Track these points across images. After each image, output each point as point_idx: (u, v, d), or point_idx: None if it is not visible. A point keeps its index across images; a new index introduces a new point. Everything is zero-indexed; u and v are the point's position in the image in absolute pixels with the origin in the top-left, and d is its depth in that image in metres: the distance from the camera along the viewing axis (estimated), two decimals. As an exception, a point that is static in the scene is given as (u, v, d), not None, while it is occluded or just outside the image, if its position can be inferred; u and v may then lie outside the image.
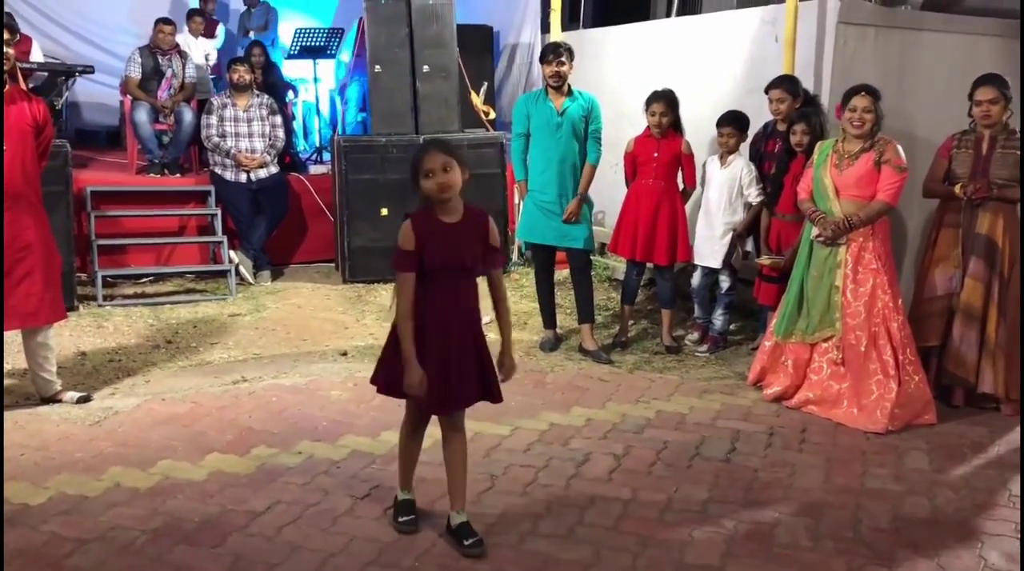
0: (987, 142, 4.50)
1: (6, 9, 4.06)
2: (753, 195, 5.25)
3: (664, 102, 5.24)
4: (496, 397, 3.14)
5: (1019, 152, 4.40)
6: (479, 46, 8.49)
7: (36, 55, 7.51)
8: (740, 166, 5.27)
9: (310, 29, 9.13)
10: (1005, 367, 4.47)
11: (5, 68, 3.95)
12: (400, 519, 3.20)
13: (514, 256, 7.42)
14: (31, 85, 6.76)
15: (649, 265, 5.56)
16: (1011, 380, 4.48)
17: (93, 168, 7.63)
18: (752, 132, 5.39)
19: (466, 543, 3.06)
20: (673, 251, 5.36)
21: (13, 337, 4.48)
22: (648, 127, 5.33)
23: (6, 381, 4.62)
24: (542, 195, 5.23)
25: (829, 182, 4.39)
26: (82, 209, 6.49)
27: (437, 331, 3.00)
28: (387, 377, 3.11)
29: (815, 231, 4.44)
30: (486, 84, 8.15)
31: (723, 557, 3.09)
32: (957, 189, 4.51)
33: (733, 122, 5.28)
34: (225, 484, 3.52)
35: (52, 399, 4.32)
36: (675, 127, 5.32)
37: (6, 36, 3.92)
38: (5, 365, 4.79)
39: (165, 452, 3.80)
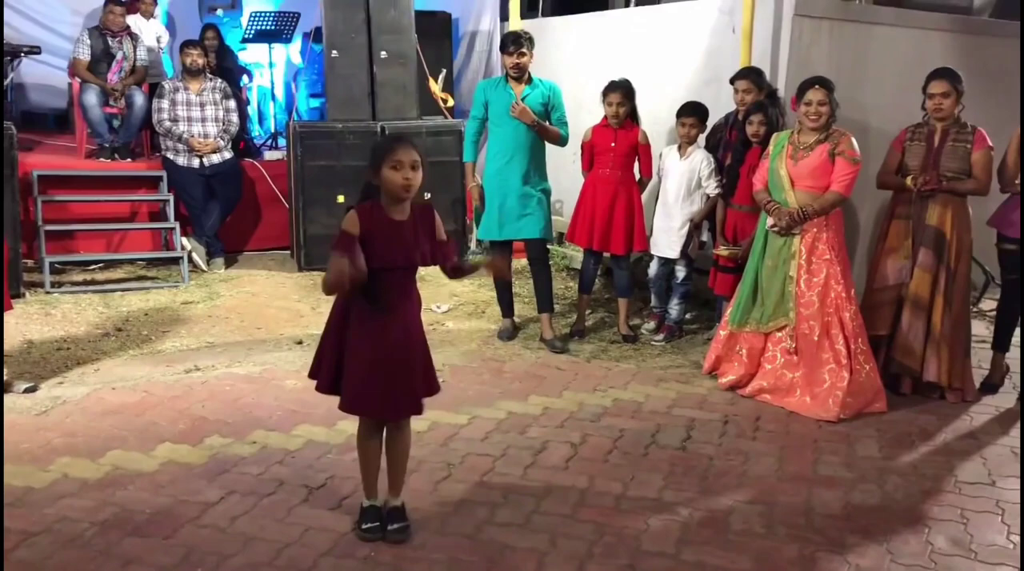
0: (939, 135, 4.56)
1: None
2: (712, 187, 5.28)
3: (621, 92, 5.25)
4: (420, 408, 3.05)
5: (968, 145, 4.49)
6: (438, 33, 8.41)
7: (-21, 35, 7.28)
8: (700, 158, 5.29)
9: (265, 13, 8.97)
10: (949, 357, 4.56)
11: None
12: (363, 526, 3.07)
13: (472, 245, 7.39)
14: (-26, 65, 6.56)
15: (606, 254, 5.58)
16: (954, 370, 4.58)
17: (40, 151, 7.44)
18: (709, 123, 5.43)
19: (390, 527, 3.06)
20: (629, 241, 5.38)
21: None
22: (605, 117, 5.33)
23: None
24: (502, 183, 5.19)
25: (784, 173, 4.44)
26: (29, 194, 6.33)
27: (376, 334, 2.91)
28: (328, 374, 3.02)
29: (770, 221, 4.49)
30: (444, 71, 8.08)
31: (678, 544, 3.11)
32: (908, 181, 4.58)
33: (695, 113, 5.30)
34: (177, 475, 3.47)
35: (-3, 389, 4.21)
36: (632, 117, 5.33)
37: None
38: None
39: (115, 442, 3.73)
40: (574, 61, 7.14)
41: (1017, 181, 4.55)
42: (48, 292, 5.93)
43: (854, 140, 4.38)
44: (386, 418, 3.07)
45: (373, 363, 2.92)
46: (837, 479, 3.68)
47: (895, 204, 4.74)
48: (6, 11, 8.88)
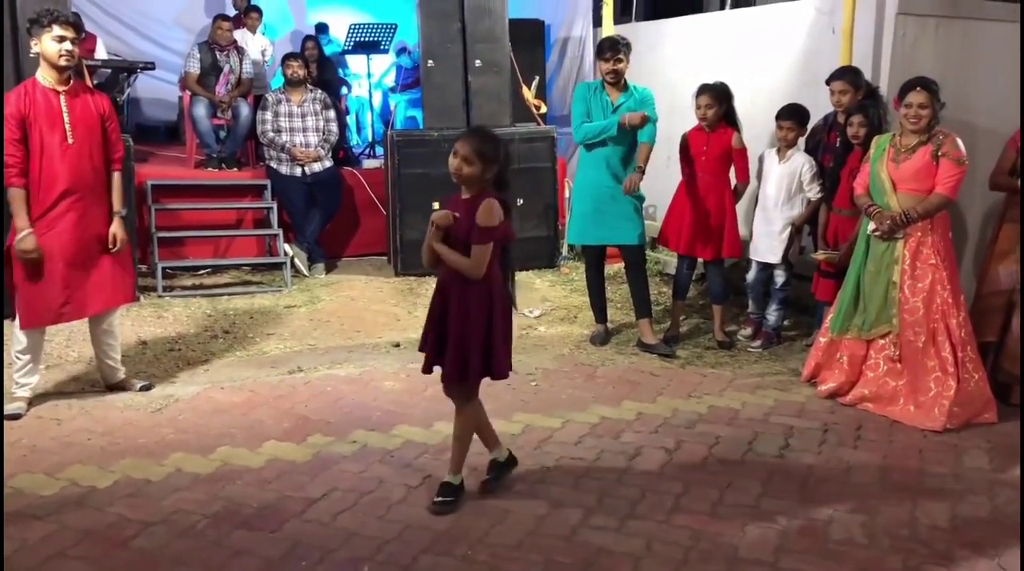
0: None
1: (73, 8, 4.15)
2: (814, 191, 5.16)
3: (710, 94, 5.19)
4: (476, 376, 3.30)
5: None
6: (531, 40, 8.49)
7: (100, 53, 7.69)
8: (800, 161, 5.18)
9: (363, 24, 9.23)
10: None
11: (71, 65, 4.05)
12: (436, 499, 3.32)
13: (564, 250, 7.42)
14: (95, 82, 6.94)
15: (701, 259, 5.52)
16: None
17: (153, 162, 7.81)
18: (808, 126, 5.32)
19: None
20: (719, 247, 5.31)
21: (80, 325, 4.63)
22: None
23: (74, 367, 4.78)
24: (596, 187, 5.20)
25: (886, 176, 4.32)
26: (143, 202, 6.65)
27: (440, 298, 3.32)
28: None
29: (872, 226, 4.37)
30: (537, 78, 8.15)
31: (776, 552, 3.07)
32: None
33: (793, 115, 5.20)
34: (282, 471, 3.60)
35: (117, 386, 4.45)
36: (727, 120, 5.27)
37: (71, 35, 4.01)
38: (73, 352, 4.96)
39: (224, 439, 3.89)
40: (669, 66, 7.10)
41: None
42: (160, 296, 6.22)
43: (959, 141, 4.22)
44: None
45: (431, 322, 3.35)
46: (944, 490, 3.56)
47: (1008, 206, 4.55)
48: (123, 29, 9.40)
